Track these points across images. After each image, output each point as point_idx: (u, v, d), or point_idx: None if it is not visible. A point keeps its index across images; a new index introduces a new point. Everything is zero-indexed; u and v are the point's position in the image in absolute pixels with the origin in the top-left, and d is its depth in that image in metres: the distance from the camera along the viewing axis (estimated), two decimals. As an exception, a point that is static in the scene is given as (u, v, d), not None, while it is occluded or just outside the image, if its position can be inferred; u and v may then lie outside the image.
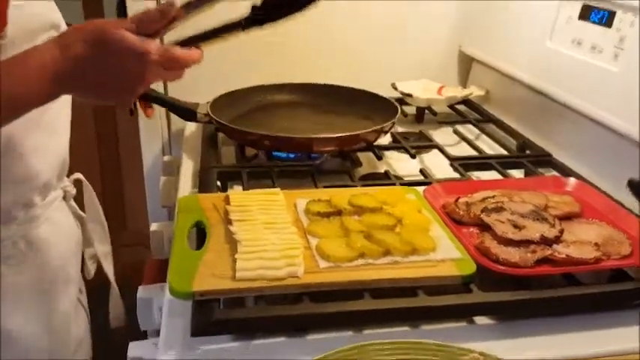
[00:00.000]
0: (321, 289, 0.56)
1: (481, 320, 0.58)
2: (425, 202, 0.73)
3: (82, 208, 0.79)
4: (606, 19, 0.88)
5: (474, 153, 0.96)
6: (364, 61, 1.22)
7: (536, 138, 1.00)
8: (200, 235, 0.65)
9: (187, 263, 0.57)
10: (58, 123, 0.68)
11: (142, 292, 0.70)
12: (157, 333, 0.66)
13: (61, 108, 0.68)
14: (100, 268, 0.80)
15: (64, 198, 0.72)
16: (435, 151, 0.96)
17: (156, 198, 1.05)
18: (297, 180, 0.85)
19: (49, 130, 0.65)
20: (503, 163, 0.91)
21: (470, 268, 0.59)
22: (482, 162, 0.91)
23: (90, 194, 0.78)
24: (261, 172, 0.84)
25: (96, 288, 0.82)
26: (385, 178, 0.86)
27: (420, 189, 0.77)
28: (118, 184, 1.98)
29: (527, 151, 0.98)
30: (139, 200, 1.83)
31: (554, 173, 0.91)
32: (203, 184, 0.80)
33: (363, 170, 0.93)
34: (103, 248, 0.79)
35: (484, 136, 1.07)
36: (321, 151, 0.88)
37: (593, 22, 0.90)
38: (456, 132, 1.07)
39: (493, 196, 0.73)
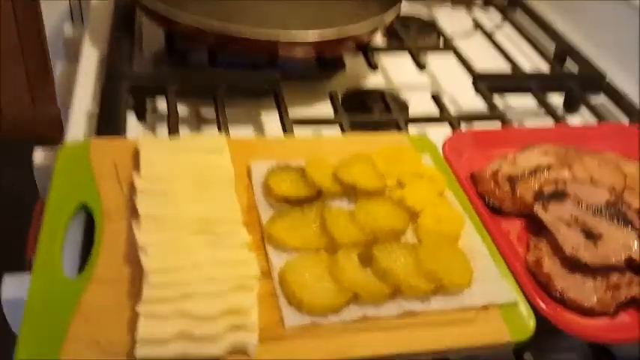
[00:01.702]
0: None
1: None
2: (446, 166, 0.48)
3: None
4: None
5: (498, 59, 0.69)
6: None
7: (582, 41, 0.73)
8: (89, 233, 0.39)
9: (53, 314, 0.32)
10: None
11: (8, 287, 0.45)
12: None
13: None
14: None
15: None
16: (452, 57, 0.68)
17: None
18: (253, 101, 0.58)
19: None
20: (543, 84, 0.65)
21: (527, 323, 0.37)
22: (516, 81, 0.65)
23: None
24: (198, 86, 0.55)
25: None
26: (380, 103, 0.59)
27: (433, 131, 0.52)
28: (36, 25, 1.60)
29: (570, 63, 0.71)
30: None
31: (605, 102, 0.67)
32: (105, 104, 0.51)
33: (347, 79, 0.65)
34: None
35: (509, 28, 0.79)
36: (290, 58, 0.59)
37: None
38: (474, 21, 0.78)
39: (548, 167, 0.49)
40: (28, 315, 0.33)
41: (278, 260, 0.37)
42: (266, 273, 0.37)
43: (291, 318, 0.34)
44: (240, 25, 0.54)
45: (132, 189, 0.40)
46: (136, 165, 0.42)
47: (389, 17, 0.63)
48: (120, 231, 0.38)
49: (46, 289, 0.34)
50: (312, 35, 0.56)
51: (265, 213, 0.41)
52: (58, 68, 0.69)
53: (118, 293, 0.34)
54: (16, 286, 0.44)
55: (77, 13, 0.84)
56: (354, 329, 0.35)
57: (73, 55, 0.72)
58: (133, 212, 0.38)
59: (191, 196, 0.40)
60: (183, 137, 0.47)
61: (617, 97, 0.65)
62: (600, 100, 0.68)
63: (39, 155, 0.58)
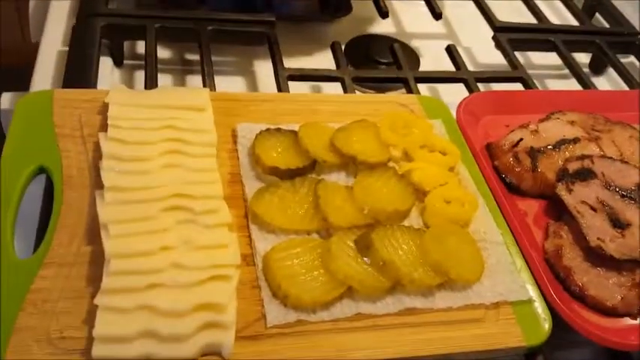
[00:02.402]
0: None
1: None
2: (459, 134, 0.42)
3: None
4: None
5: (530, 18, 0.62)
6: None
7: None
8: (48, 200, 0.34)
9: (2, 301, 0.28)
10: None
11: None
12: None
13: None
14: None
15: None
16: (470, 5, 0.61)
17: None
18: (242, 49, 0.51)
19: None
20: (570, 42, 0.58)
21: (542, 326, 0.33)
22: (540, 38, 0.58)
23: None
24: (182, 30, 0.49)
25: None
26: (388, 55, 0.53)
27: (445, 90, 0.46)
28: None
29: (599, 17, 0.64)
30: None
31: (634, 61, 0.61)
32: (76, 45, 0.45)
33: (352, 24, 0.59)
34: None
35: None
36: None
37: None
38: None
39: (574, 140, 0.43)
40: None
41: (263, 244, 0.33)
42: (248, 258, 0.32)
43: (275, 314, 0.30)
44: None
45: (98, 151, 0.35)
46: (104, 123, 0.36)
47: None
48: (81, 201, 0.33)
49: (-8, 271, 0.29)
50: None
51: (251, 186, 0.35)
52: (32, 3, 0.62)
53: (76, 278, 0.29)
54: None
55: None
56: (346, 328, 0.30)
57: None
58: (98, 180, 0.33)
59: (165, 164, 0.34)
60: (161, 89, 0.41)
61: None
62: (630, 61, 0.62)
63: (6, 98, 0.52)
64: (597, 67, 0.61)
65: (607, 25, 0.64)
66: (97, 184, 0.33)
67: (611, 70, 0.60)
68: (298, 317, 0.30)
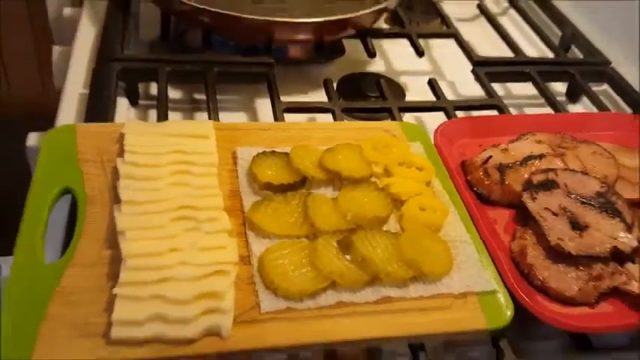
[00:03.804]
0: (260, 357, 0.34)
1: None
2: (436, 155, 0.47)
3: None
4: None
5: (502, 46, 0.68)
6: None
7: (589, 30, 0.72)
8: (72, 218, 0.39)
9: (33, 295, 0.33)
10: None
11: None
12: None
13: None
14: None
15: None
16: (453, 44, 0.67)
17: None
18: (245, 88, 0.58)
19: None
20: (544, 72, 0.64)
21: (504, 311, 0.37)
22: (516, 70, 0.64)
23: None
24: (191, 72, 0.55)
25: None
26: (376, 89, 0.59)
27: (428, 119, 0.52)
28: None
29: (574, 51, 0.70)
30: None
31: (607, 89, 0.66)
32: (96, 87, 0.52)
33: (345, 64, 0.65)
34: None
35: (514, 13, 0.78)
36: (286, 42, 0.59)
37: None
38: (480, 6, 0.77)
39: (540, 156, 0.48)
40: (8, 297, 0.33)
41: (258, 247, 0.38)
42: (245, 259, 0.37)
43: (267, 303, 0.34)
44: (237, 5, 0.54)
45: (115, 173, 0.40)
46: (121, 150, 0.42)
47: (391, 3, 0.62)
48: (102, 215, 0.38)
49: (26, 273, 0.34)
50: (309, 20, 0.56)
51: (248, 199, 0.41)
52: (56, 51, 0.69)
53: (97, 276, 0.35)
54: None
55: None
56: (330, 314, 0.35)
57: (71, 37, 0.73)
58: (116, 197, 0.39)
59: (173, 182, 0.40)
60: (170, 122, 0.47)
61: (621, 87, 0.64)
62: (604, 89, 0.67)
63: (33, 137, 0.59)
64: (573, 96, 0.67)
65: (581, 57, 0.69)
66: (115, 200, 0.39)
67: (585, 99, 0.65)
68: (288, 305, 0.34)
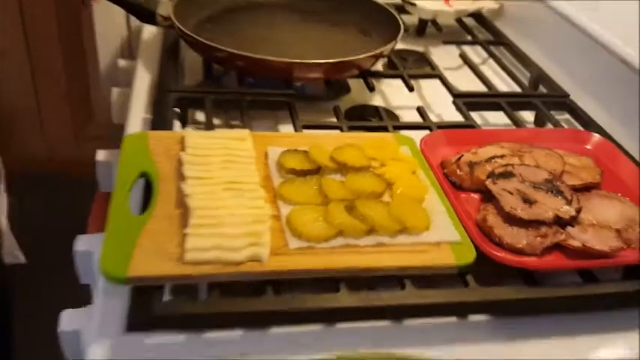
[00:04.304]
0: (289, 277, 0.46)
1: (476, 317, 0.50)
2: (421, 156, 0.61)
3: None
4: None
5: (480, 86, 0.83)
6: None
7: (554, 71, 0.87)
8: (147, 191, 0.53)
9: (125, 234, 0.46)
10: None
11: (80, 243, 0.59)
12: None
13: None
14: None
15: None
16: (438, 83, 0.83)
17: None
18: (271, 112, 0.73)
19: None
20: (514, 103, 0.78)
21: (468, 255, 0.49)
22: (489, 101, 0.78)
23: None
24: (229, 101, 0.71)
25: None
26: (376, 116, 0.74)
27: (417, 134, 0.66)
28: (82, 75, 1.81)
29: (542, 88, 0.85)
30: (102, 95, 1.67)
31: (569, 118, 0.80)
32: (157, 111, 0.67)
33: (351, 99, 0.80)
34: None
35: (493, 62, 0.93)
36: (303, 79, 0.75)
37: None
38: (462, 56, 0.93)
39: (502, 156, 0.62)
40: (107, 237, 0.46)
41: (285, 210, 0.51)
42: (276, 217, 0.50)
43: (294, 242, 0.48)
44: (263, 50, 0.70)
45: (179, 163, 0.54)
46: (182, 147, 0.56)
47: (387, 50, 0.78)
48: (171, 190, 0.52)
49: (120, 221, 0.48)
50: (321, 61, 0.72)
51: (277, 181, 0.54)
52: (114, 92, 0.86)
53: (171, 224, 0.48)
54: (86, 242, 0.59)
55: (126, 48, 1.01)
56: (338, 252, 0.48)
57: (125, 82, 0.90)
58: (180, 177, 0.52)
59: (222, 167, 0.54)
60: (217, 130, 0.61)
61: (579, 115, 0.78)
62: (566, 117, 0.81)
63: (101, 154, 0.74)
64: (539, 122, 0.81)
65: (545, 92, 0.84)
66: (180, 179, 0.52)
67: (550, 125, 0.79)
68: (309, 245, 0.47)
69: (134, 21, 1.00)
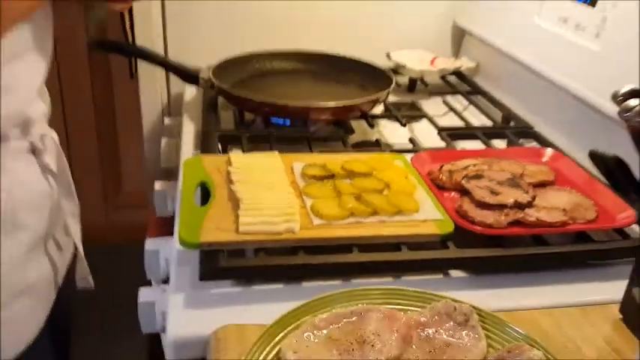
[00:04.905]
0: (314, 243, 0.63)
1: (456, 274, 0.65)
2: (412, 168, 0.79)
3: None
4: (590, -2, 0.93)
5: (461, 123, 1.02)
6: (363, 31, 1.27)
7: (521, 111, 1.06)
8: (204, 194, 0.71)
9: (194, 217, 0.64)
10: (15, 82, 0.64)
11: (149, 244, 0.76)
12: (163, 282, 0.73)
13: (21, 70, 0.65)
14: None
15: (34, 152, 0.71)
16: (425, 121, 1.02)
17: (154, 159, 1.11)
18: (293, 145, 0.91)
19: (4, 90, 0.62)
20: (487, 134, 0.97)
21: (448, 227, 0.66)
22: (467, 132, 0.97)
23: (58, 151, 0.75)
24: (259, 137, 0.90)
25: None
26: (376, 146, 0.92)
27: (409, 156, 0.84)
28: (113, 145, 2.02)
29: (512, 123, 1.04)
30: (135, 162, 1.87)
31: (535, 144, 0.97)
32: (205, 146, 0.85)
33: (355, 137, 0.99)
34: (69, 206, 0.77)
35: (472, 108, 1.12)
36: (317, 120, 0.94)
37: (578, 1, 0.95)
38: (445, 103, 1.13)
39: (474, 165, 0.79)
40: (181, 220, 0.63)
41: (309, 202, 0.68)
42: (303, 207, 0.67)
43: (317, 220, 0.64)
44: (285, 100, 0.90)
45: (227, 175, 0.72)
46: (229, 164, 0.74)
47: (381, 97, 0.98)
48: (223, 193, 0.69)
49: (189, 212, 0.65)
50: (330, 104, 0.91)
51: (302, 184, 0.72)
52: (164, 141, 1.05)
53: (226, 212, 0.65)
54: (154, 244, 0.76)
55: (167, 109, 1.22)
56: (350, 227, 0.64)
57: (170, 134, 1.10)
58: (230, 183, 0.70)
59: (261, 175, 0.72)
60: (254, 153, 0.80)
61: (541, 140, 0.96)
62: (534, 144, 0.99)
63: (158, 184, 0.92)
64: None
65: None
66: (229, 184, 0.70)
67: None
68: (329, 222, 0.64)
69: (173, 87, 1.22)
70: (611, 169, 0.48)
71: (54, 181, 0.71)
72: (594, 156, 0.51)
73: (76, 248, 0.77)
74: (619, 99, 0.49)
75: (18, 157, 0.68)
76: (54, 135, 0.75)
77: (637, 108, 0.47)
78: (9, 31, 0.57)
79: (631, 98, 0.48)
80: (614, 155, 0.50)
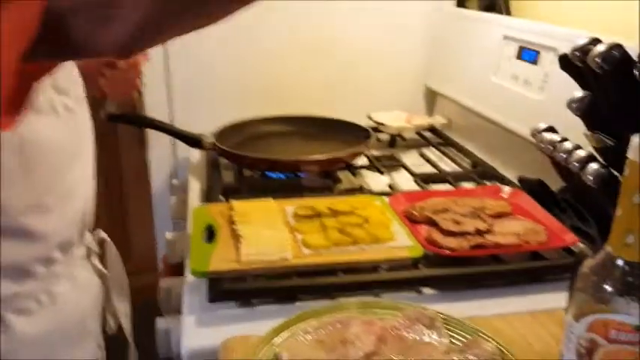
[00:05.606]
0: (305, 269, 0.74)
1: (427, 291, 0.77)
2: (388, 207, 0.92)
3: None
4: (534, 58, 1.08)
5: (434, 170, 1.16)
6: (346, 95, 1.43)
7: (486, 157, 1.20)
8: (210, 234, 0.83)
9: (203, 252, 0.76)
10: (76, 188, 0.68)
11: (163, 282, 0.87)
12: (177, 313, 0.84)
13: (80, 177, 0.69)
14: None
15: (88, 256, 0.73)
16: (403, 170, 1.16)
17: (163, 217, 1.24)
18: (286, 193, 1.04)
19: (66, 195, 0.65)
20: (456, 177, 1.10)
21: (418, 252, 0.78)
22: (439, 177, 1.10)
23: (112, 252, 0.80)
24: (257, 188, 1.03)
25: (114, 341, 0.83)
26: (360, 191, 1.05)
27: (387, 198, 0.96)
28: (121, 215, 2.14)
29: (478, 167, 1.17)
30: (141, 230, 1.97)
31: (497, 184, 1.11)
32: (209, 197, 0.98)
33: (342, 186, 1.12)
34: (122, 306, 0.81)
35: (444, 157, 1.26)
36: (307, 171, 1.07)
37: (525, 61, 1.11)
38: (421, 155, 1.27)
39: (442, 203, 0.92)
40: (192, 255, 0.75)
41: (299, 236, 0.80)
42: (294, 240, 0.79)
43: (306, 250, 0.76)
44: (278, 155, 1.04)
45: (230, 218, 0.85)
46: (231, 210, 0.87)
47: (362, 149, 1.12)
48: (227, 233, 0.82)
49: (198, 248, 0.77)
50: (317, 157, 1.05)
51: (293, 222, 0.84)
52: (172, 198, 1.18)
53: (229, 247, 0.77)
54: (169, 282, 0.87)
55: (174, 172, 1.36)
56: (335, 254, 0.76)
57: (178, 192, 1.23)
58: (232, 224, 0.82)
59: (258, 217, 0.84)
60: (251, 201, 0.92)
61: (504, 181, 1.09)
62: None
63: (169, 234, 1.04)
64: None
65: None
66: (231, 225, 0.82)
67: (486, 191, 1.09)
68: (317, 251, 0.76)
69: (180, 153, 1.36)
70: (535, 188, 0.61)
71: (108, 283, 0.76)
72: (522, 180, 0.64)
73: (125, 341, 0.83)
74: (537, 134, 0.63)
75: (78, 264, 0.70)
76: (105, 236, 0.79)
77: (548, 138, 0.61)
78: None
79: (545, 132, 0.62)
80: (537, 178, 0.63)
